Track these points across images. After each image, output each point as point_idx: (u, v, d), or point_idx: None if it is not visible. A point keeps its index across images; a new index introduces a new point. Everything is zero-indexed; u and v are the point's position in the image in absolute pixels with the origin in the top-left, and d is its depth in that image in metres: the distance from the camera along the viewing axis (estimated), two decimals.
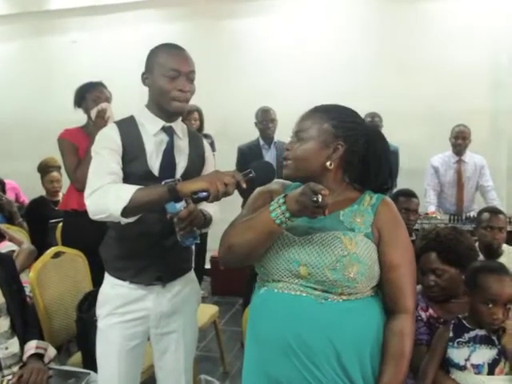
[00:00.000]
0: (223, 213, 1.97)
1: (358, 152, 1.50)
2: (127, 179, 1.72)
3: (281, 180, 1.62)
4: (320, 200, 1.25)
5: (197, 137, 1.98)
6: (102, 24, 5.67)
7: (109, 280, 1.88)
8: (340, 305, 1.39)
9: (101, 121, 2.85)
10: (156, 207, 1.63)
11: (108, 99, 3.07)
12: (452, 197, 4.46)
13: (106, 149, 1.72)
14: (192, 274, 1.99)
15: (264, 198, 1.56)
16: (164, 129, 1.80)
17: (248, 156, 3.88)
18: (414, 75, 4.88)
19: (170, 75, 1.70)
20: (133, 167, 1.74)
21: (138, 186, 1.58)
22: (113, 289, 1.85)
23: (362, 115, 4.51)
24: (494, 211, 3.04)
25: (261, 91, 5.01)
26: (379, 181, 1.54)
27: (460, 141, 4.39)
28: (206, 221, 1.81)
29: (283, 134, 4.10)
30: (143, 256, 1.80)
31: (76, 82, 3.11)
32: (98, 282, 2.44)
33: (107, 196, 1.58)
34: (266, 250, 1.44)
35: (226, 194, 1.47)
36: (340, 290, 1.38)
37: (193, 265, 1.99)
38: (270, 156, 3.99)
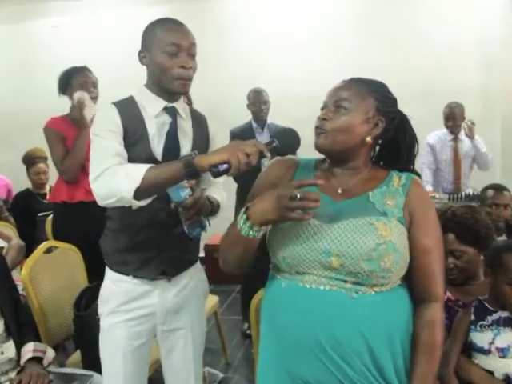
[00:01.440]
0: None
1: (390, 131, 1.42)
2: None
3: (291, 157, 1.52)
4: (299, 196, 1.19)
5: (200, 117, 1.85)
6: (84, 7, 5.43)
7: (110, 275, 1.75)
8: (372, 298, 1.29)
9: (78, 111, 2.75)
10: (172, 185, 1.50)
11: (94, 84, 2.93)
12: (449, 174, 4.38)
13: (106, 130, 1.57)
14: (198, 266, 1.88)
15: (273, 176, 1.46)
16: (166, 109, 1.67)
17: (241, 139, 3.71)
18: (404, 54, 4.82)
19: (169, 51, 1.57)
20: (134, 152, 1.60)
21: (149, 165, 1.45)
22: (115, 285, 1.72)
23: None
24: (499, 188, 2.96)
25: (251, 73, 4.88)
26: (407, 164, 1.46)
27: (450, 122, 4.29)
28: (214, 208, 1.69)
29: (275, 116, 4.01)
30: (146, 248, 1.68)
31: (60, 68, 2.95)
32: (94, 276, 2.35)
33: (116, 178, 1.44)
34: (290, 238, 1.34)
35: (248, 164, 1.34)
36: (374, 281, 1.28)
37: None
38: (263, 139, 3.83)
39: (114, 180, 1.45)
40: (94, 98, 2.90)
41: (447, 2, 4.79)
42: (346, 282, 1.29)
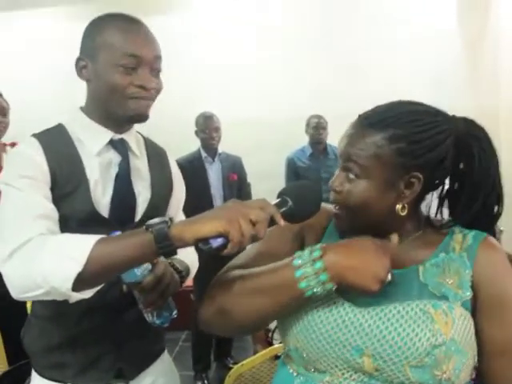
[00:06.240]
0: None
1: (444, 175, 0.99)
2: (60, 225, 1.08)
3: (324, 205, 1.08)
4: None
5: (158, 151, 1.36)
6: None
7: (39, 383, 1.21)
8: None
9: None
10: (131, 268, 1.01)
11: (3, 110, 2.44)
12: None
13: (26, 178, 1.06)
14: (166, 356, 1.38)
15: (293, 232, 1.06)
16: (113, 143, 1.19)
17: (189, 171, 3.17)
18: (357, 76, 4.60)
19: (124, 64, 1.10)
20: (68, 207, 1.10)
21: (96, 236, 0.93)
22: None
23: (304, 118, 4.02)
24: None
25: (191, 96, 4.48)
26: (484, 211, 0.99)
27: None
28: (184, 280, 1.23)
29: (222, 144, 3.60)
30: (93, 342, 1.17)
31: None
32: (15, 354, 1.81)
33: (43, 257, 0.92)
34: (305, 326, 0.93)
35: (255, 238, 0.88)
36: None
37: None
38: (214, 171, 3.41)
39: (40, 261, 0.92)
40: (2, 129, 2.43)
41: (400, 25, 4.66)
42: None
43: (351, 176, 0.96)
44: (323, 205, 1.03)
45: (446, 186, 1.04)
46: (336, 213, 1.00)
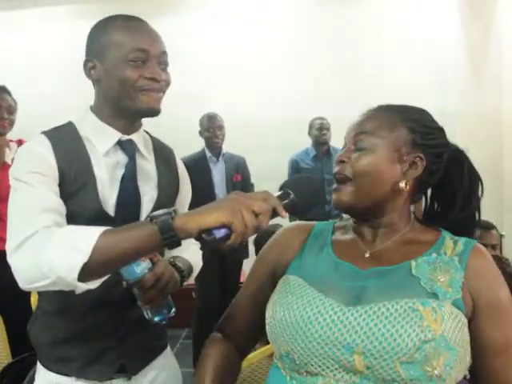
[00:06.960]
0: None
1: (438, 172, 1.05)
2: (68, 222, 1.11)
3: (302, 222, 1.17)
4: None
5: (165, 150, 1.37)
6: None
7: (44, 377, 1.23)
8: None
9: None
10: (137, 259, 1.04)
11: (10, 109, 2.51)
12: None
13: (35, 174, 1.08)
14: (168, 352, 1.40)
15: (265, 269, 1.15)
16: (121, 144, 1.21)
17: (194, 171, 3.24)
18: (361, 79, 4.63)
19: (133, 58, 1.13)
20: (75, 204, 1.12)
21: (102, 228, 0.95)
22: None
23: (308, 119, 4.05)
24: (486, 226, 2.66)
25: (196, 94, 4.50)
26: (465, 219, 1.07)
27: None
28: (185, 278, 1.25)
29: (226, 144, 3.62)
30: (97, 337, 1.20)
31: None
32: (19, 346, 1.82)
33: (49, 248, 0.94)
34: (294, 328, 0.95)
35: (257, 229, 0.90)
36: None
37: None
38: (218, 170, 3.45)
39: (47, 252, 0.94)
40: (7, 126, 2.48)
41: (403, 29, 4.69)
42: None
43: (362, 145, 1.01)
44: (303, 222, 1.14)
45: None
46: (337, 187, 1.04)
